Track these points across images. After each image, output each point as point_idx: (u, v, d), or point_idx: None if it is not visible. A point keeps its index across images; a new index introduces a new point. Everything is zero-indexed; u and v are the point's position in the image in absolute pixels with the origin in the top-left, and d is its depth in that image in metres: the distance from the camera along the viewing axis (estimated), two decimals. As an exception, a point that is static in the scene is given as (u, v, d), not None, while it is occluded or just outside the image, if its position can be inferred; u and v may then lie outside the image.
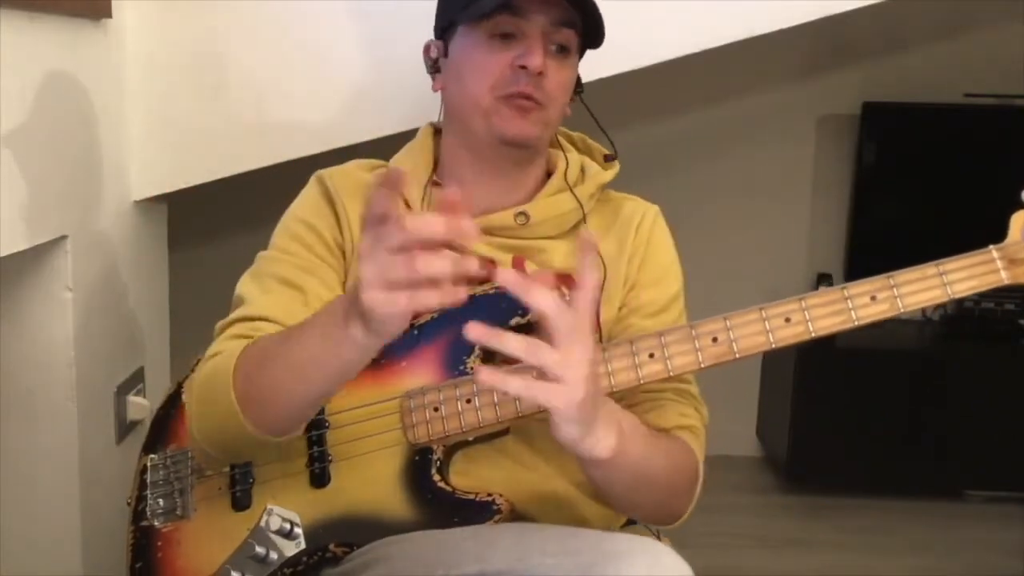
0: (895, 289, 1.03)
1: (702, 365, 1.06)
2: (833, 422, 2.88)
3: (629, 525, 1.31)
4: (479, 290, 1.15)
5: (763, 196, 3.16)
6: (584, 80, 1.25)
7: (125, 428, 1.66)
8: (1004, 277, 1.03)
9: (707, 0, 1.60)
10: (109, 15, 1.53)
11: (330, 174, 1.26)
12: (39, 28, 1.33)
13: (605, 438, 0.96)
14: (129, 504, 1.24)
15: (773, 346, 1.05)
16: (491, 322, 1.12)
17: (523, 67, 1.13)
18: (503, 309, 1.13)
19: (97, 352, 1.56)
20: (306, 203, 1.25)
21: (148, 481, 1.22)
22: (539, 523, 1.14)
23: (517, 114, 1.16)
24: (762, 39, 1.62)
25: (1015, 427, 2.89)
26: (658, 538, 1.29)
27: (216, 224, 2.92)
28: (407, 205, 1.23)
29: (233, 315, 1.17)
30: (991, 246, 1.03)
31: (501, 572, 0.95)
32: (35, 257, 1.43)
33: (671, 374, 1.06)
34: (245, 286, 1.20)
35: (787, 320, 1.05)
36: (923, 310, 3.15)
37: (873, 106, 3.05)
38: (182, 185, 1.71)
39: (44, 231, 1.38)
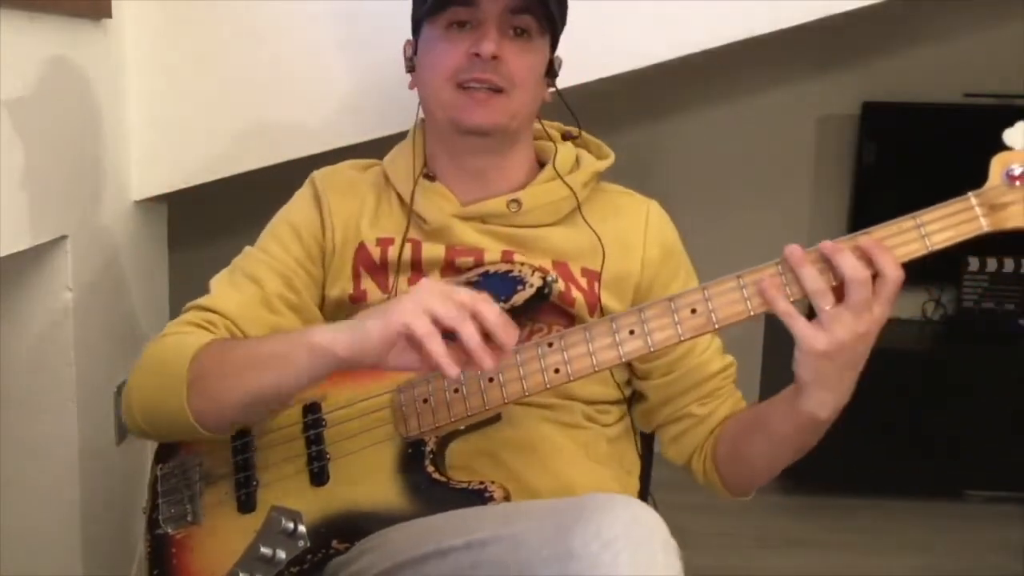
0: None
1: (682, 338, 1.06)
2: (833, 422, 2.87)
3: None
4: (462, 279, 1.17)
5: (763, 196, 3.16)
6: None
7: (125, 428, 1.66)
8: (984, 224, 0.99)
9: (707, 0, 1.60)
10: (109, 15, 1.54)
11: (322, 174, 1.30)
12: (39, 28, 1.33)
13: (829, 403, 1.06)
14: (144, 513, 1.25)
15: (752, 313, 1.04)
16: None
17: (476, 54, 1.15)
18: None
19: (97, 352, 1.56)
20: (295, 203, 1.29)
21: (160, 490, 1.24)
22: None
23: (475, 103, 1.18)
24: (762, 39, 1.62)
25: (1015, 427, 2.89)
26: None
27: (216, 224, 2.92)
28: (399, 198, 1.26)
29: (193, 302, 1.23)
30: (969, 192, 1.00)
31: (486, 540, 0.96)
32: (35, 257, 1.43)
33: (652, 349, 1.07)
34: (218, 278, 1.26)
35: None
36: (923, 309, 3.16)
37: (873, 106, 3.05)
38: (182, 185, 1.71)
39: (44, 231, 1.38)
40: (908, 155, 3.12)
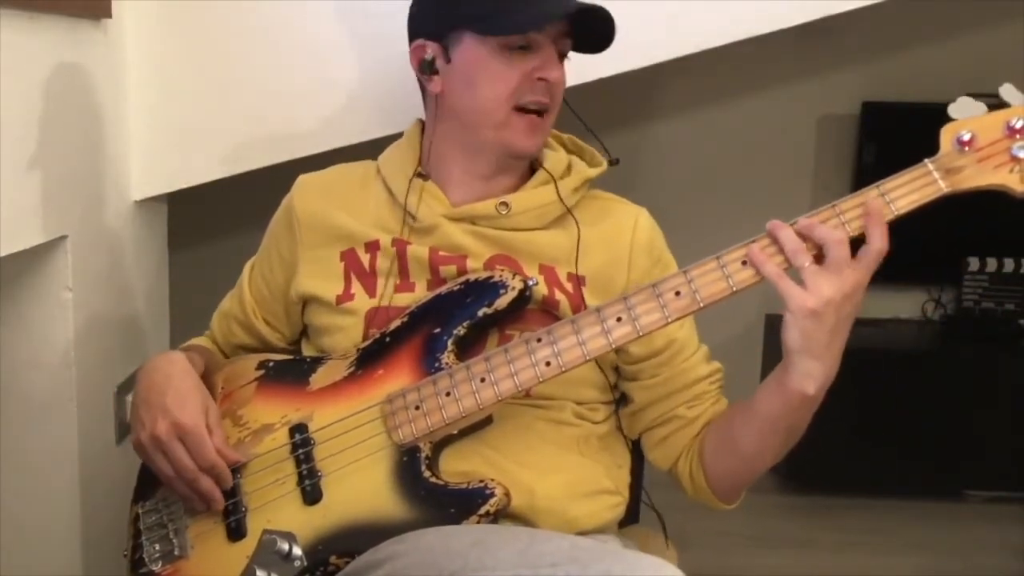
0: (841, 216, 1.07)
1: (669, 320, 1.09)
2: (833, 422, 2.85)
3: (626, 526, 1.31)
4: (444, 289, 1.17)
5: (763, 196, 3.16)
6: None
7: (125, 428, 1.66)
8: (943, 186, 1.06)
9: (707, 0, 1.60)
10: (109, 15, 1.54)
11: (300, 181, 1.33)
12: (39, 28, 1.33)
13: (817, 374, 1.06)
14: (125, 556, 1.24)
15: (734, 290, 1.08)
16: (459, 317, 1.16)
17: (542, 79, 1.17)
18: (468, 303, 1.16)
19: (97, 352, 1.56)
20: (277, 213, 1.34)
21: (142, 528, 1.23)
22: (538, 528, 1.14)
23: (530, 129, 1.20)
24: (762, 39, 1.62)
25: (1015, 427, 2.89)
26: (665, 536, 1.30)
27: (216, 224, 2.92)
28: (390, 195, 1.26)
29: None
30: (925, 159, 1.07)
31: None
32: (35, 257, 1.43)
33: (640, 334, 1.09)
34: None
35: (744, 263, 1.08)
36: (923, 309, 3.16)
37: (873, 106, 3.05)
38: (182, 185, 1.71)
39: (44, 231, 1.38)
40: (908, 155, 3.12)
